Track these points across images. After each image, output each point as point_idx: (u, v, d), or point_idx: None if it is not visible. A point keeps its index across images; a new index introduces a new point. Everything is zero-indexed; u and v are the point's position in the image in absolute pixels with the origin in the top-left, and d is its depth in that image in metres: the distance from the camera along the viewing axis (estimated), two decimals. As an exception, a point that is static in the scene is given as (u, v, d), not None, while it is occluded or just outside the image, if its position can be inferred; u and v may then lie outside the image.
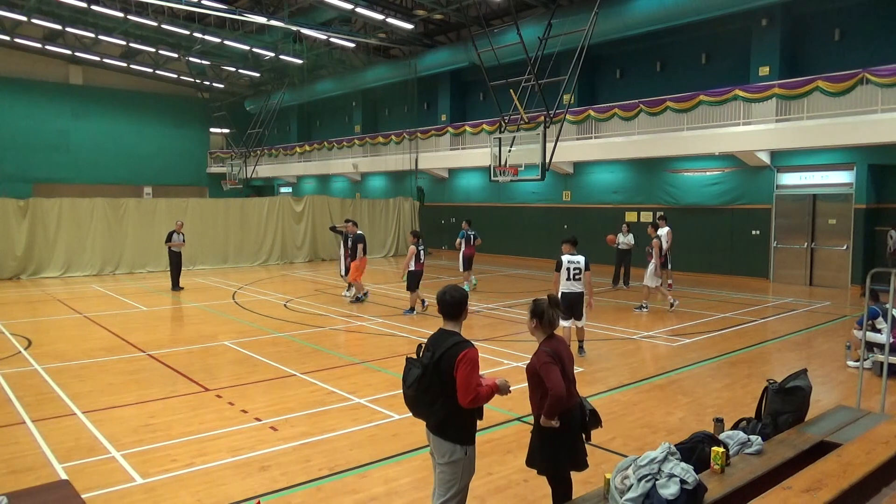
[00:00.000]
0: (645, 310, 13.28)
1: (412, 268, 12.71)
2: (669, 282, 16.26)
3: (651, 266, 13.27)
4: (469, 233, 16.26)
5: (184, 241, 16.87)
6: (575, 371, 8.60)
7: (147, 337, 10.90)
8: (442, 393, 3.66)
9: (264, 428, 6.45)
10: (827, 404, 6.63)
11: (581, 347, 9.48)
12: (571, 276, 9.04)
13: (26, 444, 6.05)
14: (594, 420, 4.19)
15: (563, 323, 8.94)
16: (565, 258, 9.10)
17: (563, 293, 9.00)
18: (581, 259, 9.09)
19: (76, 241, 19.39)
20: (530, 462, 4.21)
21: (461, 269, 16.36)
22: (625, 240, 16.78)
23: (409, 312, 12.91)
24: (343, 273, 15.62)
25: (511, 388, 3.97)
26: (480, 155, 22.54)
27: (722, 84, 17.97)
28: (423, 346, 3.86)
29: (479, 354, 3.80)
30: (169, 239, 16.69)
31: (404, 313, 12.93)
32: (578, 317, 9.19)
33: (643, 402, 7.35)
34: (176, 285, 16.53)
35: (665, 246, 15.52)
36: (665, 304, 13.54)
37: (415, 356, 3.87)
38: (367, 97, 33.17)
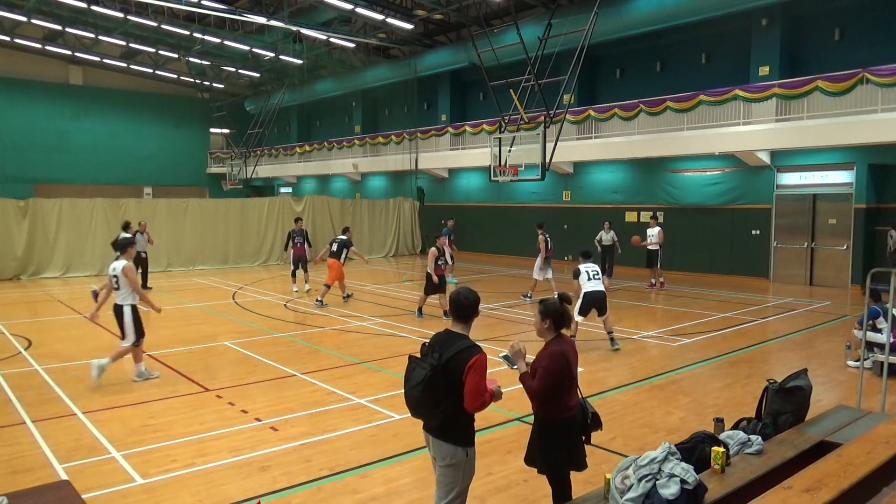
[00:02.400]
0: (528, 299, 14.35)
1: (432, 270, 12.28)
2: (661, 280, 16.39)
3: (538, 260, 14.39)
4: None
5: (149, 241, 16.82)
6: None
7: (147, 337, 10.80)
8: (447, 395, 3.63)
9: (264, 428, 6.45)
10: (827, 404, 6.63)
11: (612, 339, 9.91)
12: (592, 277, 9.86)
13: (26, 444, 6.05)
14: (595, 423, 4.18)
15: (578, 318, 9.78)
16: (582, 266, 10.00)
17: (586, 292, 9.77)
18: (595, 265, 10.05)
19: (76, 241, 19.38)
20: (529, 460, 4.21)
21: (450, 263, 17.34)
22: (607, 237, 17.85)
23: (421, 314, 12.65)
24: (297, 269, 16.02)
25: (503, 391, 3.96)
26: (480, 155, 22.54)
27: (722, 84, 17.96)
28: (428, 346, 3.81)
29: None
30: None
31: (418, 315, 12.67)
32: (602, 312, 9.86)
33: (643, 402, 7.35)
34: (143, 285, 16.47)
35: (655, 243, 16.30)
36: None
37: (418, 356, 3.83)
38: (367, 97, 33.16)
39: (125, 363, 9.08)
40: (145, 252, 16.57)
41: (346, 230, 15.12)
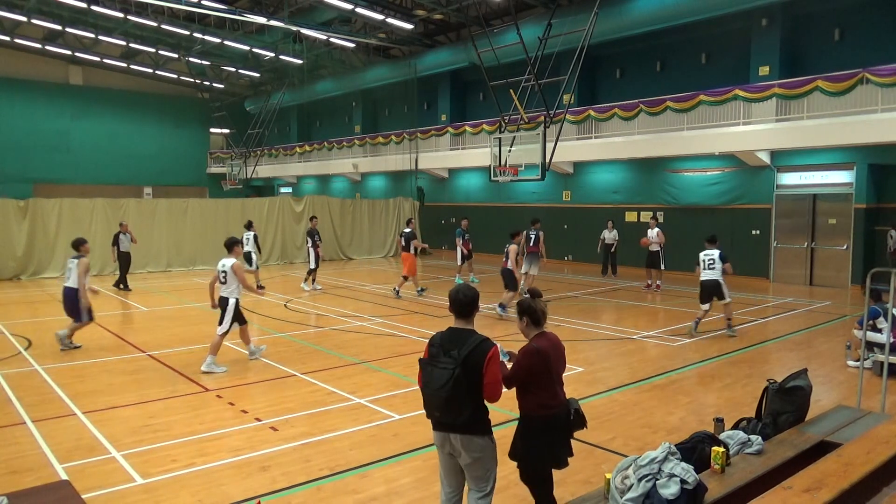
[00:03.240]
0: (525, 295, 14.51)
1: (509, 266, 12.23)
2: (658, 282, 16.38)
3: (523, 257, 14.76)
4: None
5: (132, 241, 16.90)
6: (575, 371, 8.58)
7: (147, 337, 10.91)
8: (469, 391, 3.68)
9: (264, 428, 6.45)
10: (827, 404, 6.63)
11: (729, 325, 10.72)
12: (707, 267, 10.60)
13: (26, 444, 6.05)
14: (578, 420, 4.12)
15: (704, 306, 10.72)
16: (702, 253, 10.78)
17: (700, 281, 10.74)
18: (715, 252, 10.62)
19: (76, 241, 19.37)
20: (512, 455, 4.20)
21: (459, 263, 17.94)
22: (610, 235, 18.50)
23: (502, 310, 12.43)
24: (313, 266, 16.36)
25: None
26: (480, 155, 22.53)
27: (722, 84, 17.96)
28: (437, 346, 3.79)
29: None
30: (115, 241, 16.63)
31: (501, 311, 12.43)
32: (720, 298, 10.56)
33: (643, 402, 7.35)
34: (124, 285, 16.59)
35: (656, 243, 16.33)
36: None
37: (425, 357, 3.82)
38: (367, 97, 33.16)
39: (124, 363, 9.09)
40: (128, 252, 16.69)
41: (409, 222, 16.21)
